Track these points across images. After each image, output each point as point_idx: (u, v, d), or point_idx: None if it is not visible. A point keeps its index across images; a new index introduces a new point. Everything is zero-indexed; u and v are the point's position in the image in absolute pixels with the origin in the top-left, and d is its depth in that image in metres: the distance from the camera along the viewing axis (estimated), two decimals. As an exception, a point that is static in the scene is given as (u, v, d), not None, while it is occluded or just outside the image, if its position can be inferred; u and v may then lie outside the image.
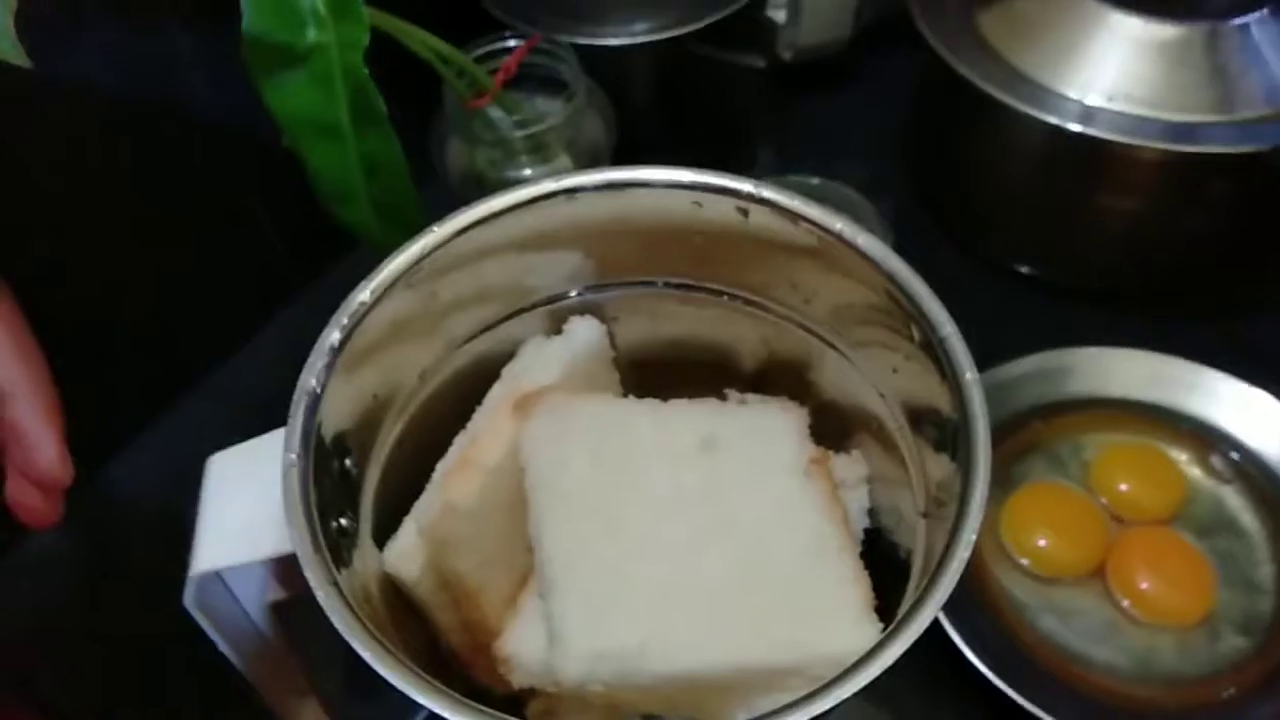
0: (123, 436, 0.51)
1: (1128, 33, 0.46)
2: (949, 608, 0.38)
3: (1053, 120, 0.44)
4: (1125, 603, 0.40)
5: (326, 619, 0.33)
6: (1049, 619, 0.40)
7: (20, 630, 0.47)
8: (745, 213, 0.29)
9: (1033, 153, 0.48)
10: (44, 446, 0.29)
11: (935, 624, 0.34)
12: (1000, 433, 0.44)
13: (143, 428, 0.51)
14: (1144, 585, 0.40)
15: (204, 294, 0.51)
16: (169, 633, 0.45)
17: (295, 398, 0.27)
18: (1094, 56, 0.46)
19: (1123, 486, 0.43)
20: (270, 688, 0.32)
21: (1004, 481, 0.44)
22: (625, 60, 0.53)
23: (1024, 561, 0.42)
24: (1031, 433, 0.45)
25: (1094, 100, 0.45)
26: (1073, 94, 0.45)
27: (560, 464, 0.29)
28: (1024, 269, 0.52)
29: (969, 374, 0.25)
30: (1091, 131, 0.44)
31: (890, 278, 0.27)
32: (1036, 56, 0.47)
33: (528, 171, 0.45)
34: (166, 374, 0.52)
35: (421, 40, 0.39)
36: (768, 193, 0.29)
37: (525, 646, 0.29)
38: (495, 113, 0.43)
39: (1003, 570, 0.41)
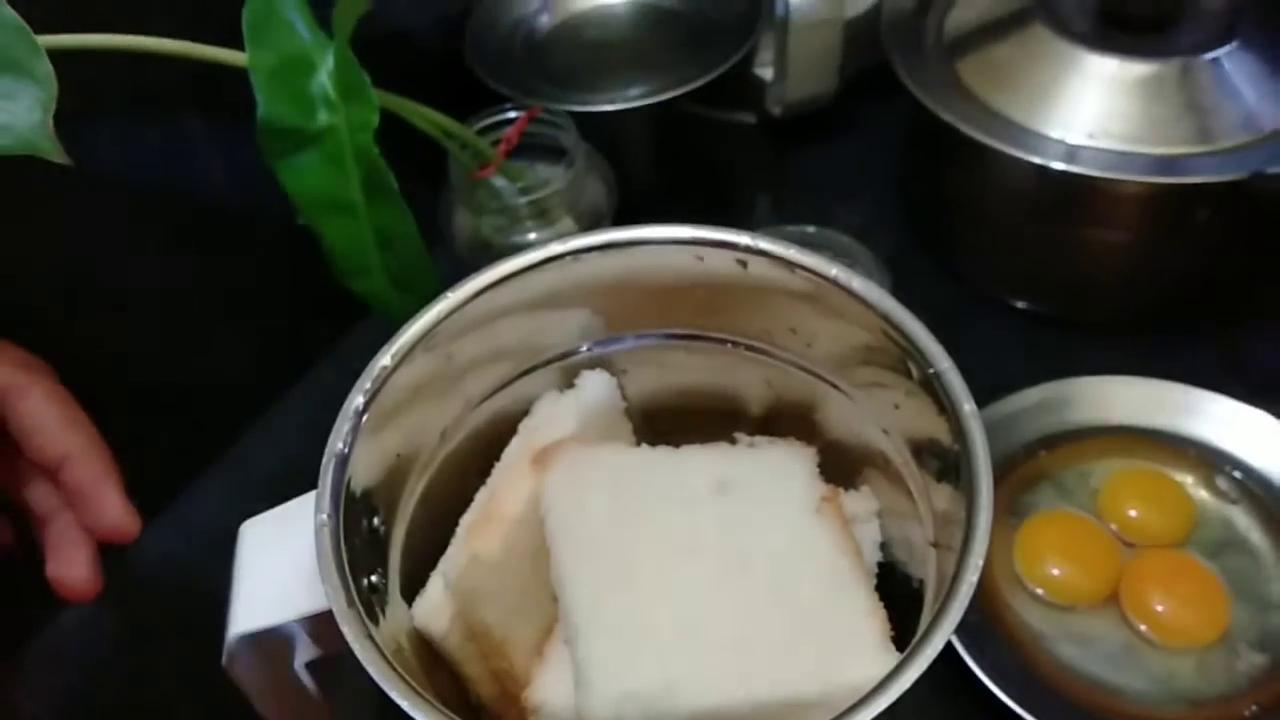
0: (150, 510, 0.52)
1: (1103, 73, 0.47)
2: (969, 641, 0.39)
3: (1037, 160, 0.46)
4: (1142, 627, 0.41)
5: (358, 675, 0.34)
6: (1067, 646, 0.41)
7: (58, 707, 0.47)
8: (744, 264, 0.31)
9: (1020, 192, 0.50)
10: (109, 502, 0.30)
11: (957, 658, 0.34)
12: (1007, 464, 0.45)
13: (168, 501, 0.53)
14: (1159, 608, 0.41)
15: (223, 369, 0.53)
16: (205, 699, 0.46)
17: (324, 460, 0.28)
18: (1072, 97, 0.47)
19: (1132, 512, 0.44)
20: (306, 747, 0.33)
21: (1014, 512, 0.44)
22: (620, 124, 0.55)
23: (1039, 591, 0.42)
24: (1038, 463, 0.46)
25: (1075, 139, 0.47)
26: (1055, 134, 0.47)
27: (579, 512, 0.30)
28: (1020, 303, 0.53)
29: (967, 406, 0.26)
30: (1075, 169, 0.45)
31: (885, 318, 0.28)
32: (1016, 100, 0.48)
33: (532, 236, 0.47)
34: (190, 447, 0.53)
35: (425, 117, 0.41)
36: (764, 244, 0.30)
37: (554, 694, 0.30)
38: (499, 181, 0.45)
39: (1019, 600, 0.42)
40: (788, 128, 0.61)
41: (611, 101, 0.53)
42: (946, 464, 0.27)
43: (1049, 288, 0.53)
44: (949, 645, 0.23)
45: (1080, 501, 0.45)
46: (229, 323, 0.52)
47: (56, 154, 0.24)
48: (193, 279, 0.49)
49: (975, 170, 0.51)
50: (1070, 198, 0.48)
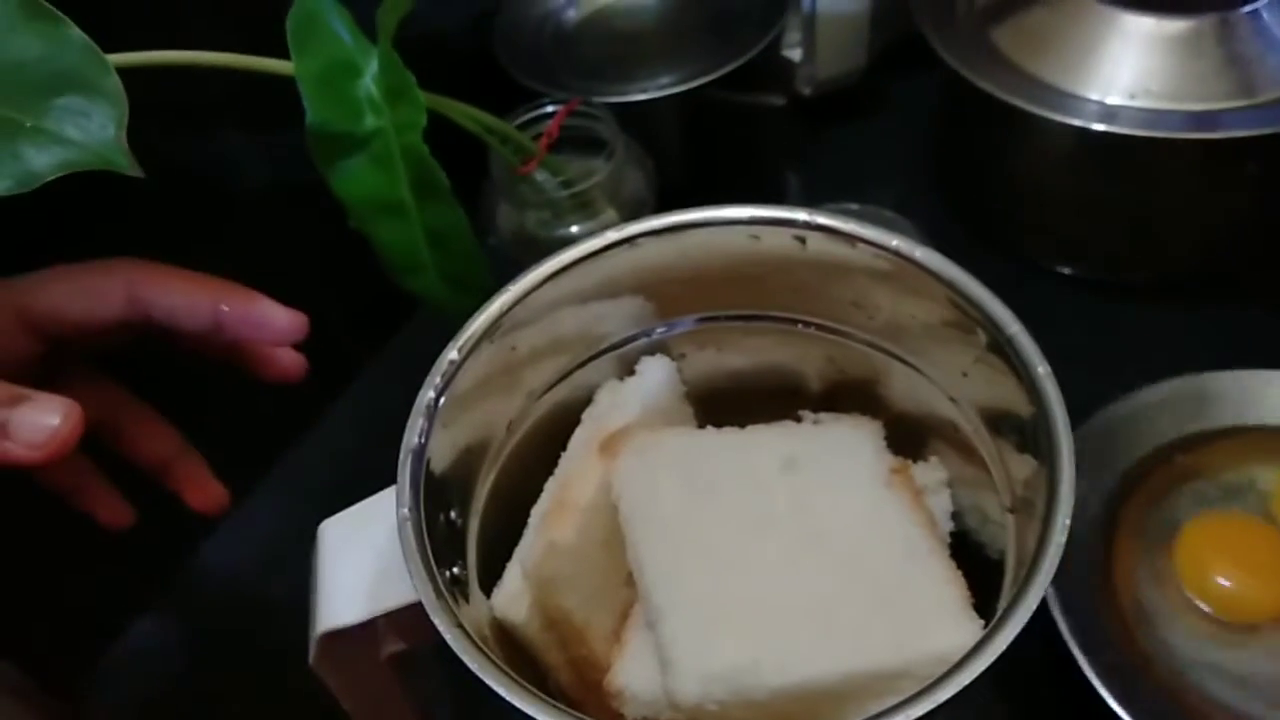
0: (212, 521, 0.53)
1: (1140, 31, 0.47)
2: (1112, 684, 0.34)
3: (1077, 122, 0.45)
4: None
5: (440, 667, 0.35)
6: (1221, 684, 0.34)
7: (131, 718, 0.48)
8: (803, 240, 0.31)
9: (1062, 156, 0.49)
10: (275, 313, 0.34)
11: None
12: (1140, 468, 0.41)
13: (226, 513, 0.53)
14: None
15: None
16: (274, 705, 0.46)
17: (401, 455, 0.28)
18: (1110, 58, 0.47)
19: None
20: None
21: (1148, 529, 0.39)
22: (651, 113, 0.55)
23: (1205, 608, 0.36)
24: (1177, 467, 0.41)
25: (1116, 99, 0.46)
26: (1094, 95, 0.46)
27: (651, 496, 0.30)
28: (1065, 269, 0.53)
29: (1040, 368, 0.26)
30: (1117, 129, 0.45)
31: (951, 285, 0.29)
32: (1053, 63, 0.48)
33: (575, 229, 0.47)
34: (243, 459, 0.54)
35: (467, 114, 0.41)
36: (823, 219, 0.30)
37: (635, 678, 0.30)
38: (540, 175, 0.45)
39: (1176, 626, 0.36)
40: (818, 107, 0.61)
41: (644, 91, 0.53)
42: (1022, 428, 0.27)
43: (1094, 252, 0.53)
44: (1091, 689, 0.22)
45: (1250, 505, 0.39)
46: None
47: (131, 167, 0.25)
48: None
49: (1015, 137, 0.50)
50: (1113, 159, 0.48)
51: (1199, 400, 0.42)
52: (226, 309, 0.33)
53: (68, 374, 0.34)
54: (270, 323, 0.33)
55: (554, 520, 0.30)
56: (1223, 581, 0.36)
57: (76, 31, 0.25)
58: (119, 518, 0.35)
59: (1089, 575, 0.38)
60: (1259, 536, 0.37)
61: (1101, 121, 0.46)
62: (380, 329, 0.59)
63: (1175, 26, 0.47)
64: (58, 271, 0.32)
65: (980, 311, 0.28)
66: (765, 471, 0.31)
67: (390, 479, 0.30)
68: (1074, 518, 0.24)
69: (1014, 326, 0.27)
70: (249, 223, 0.49)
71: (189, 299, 0.33)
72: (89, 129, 0.24)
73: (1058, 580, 0.23)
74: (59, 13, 0.25)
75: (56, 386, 0.32)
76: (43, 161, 0.24)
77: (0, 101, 0.24)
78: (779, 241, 0.31)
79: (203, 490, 0.38)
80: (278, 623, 0.49)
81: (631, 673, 0.30)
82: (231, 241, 0.48)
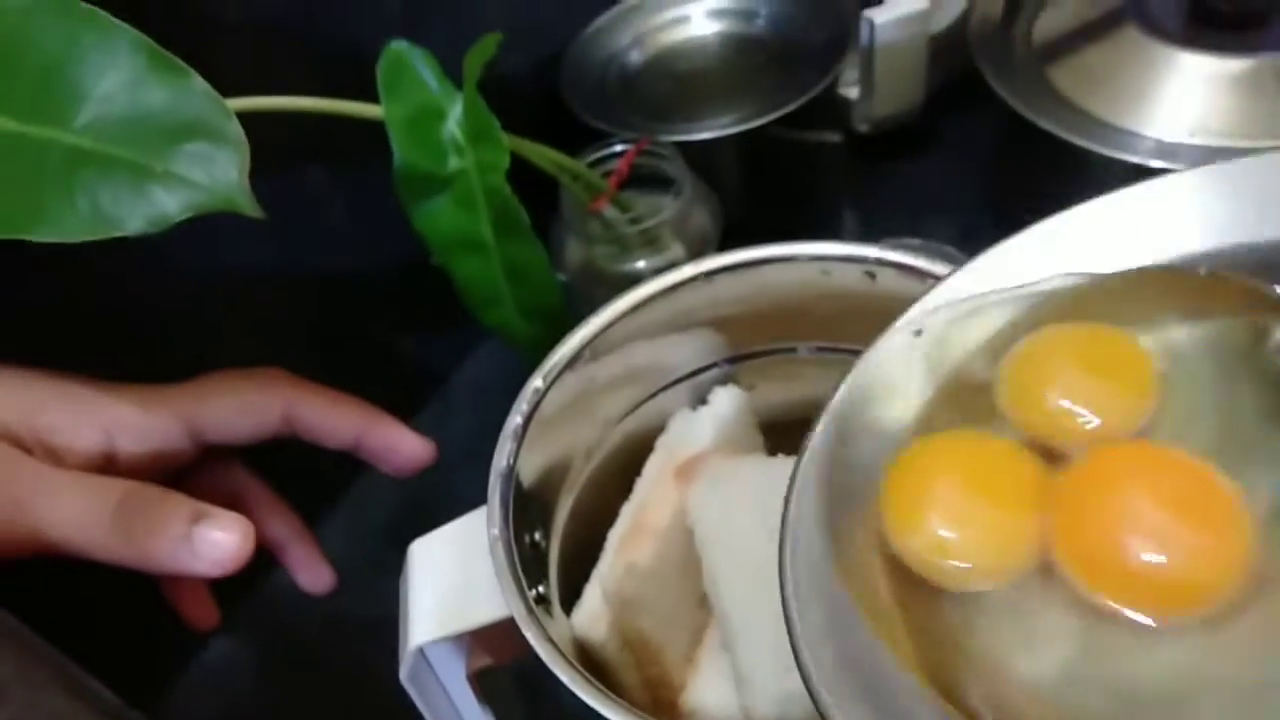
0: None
1: (1199, 71, 0.48)
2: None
3: (1135, 160, 0.46)
4: (1107, 598, 0.20)
5: (511, 684, 0.36)
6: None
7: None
8: (872, 275, 0.32)
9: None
10: (406, 440, 0.37)
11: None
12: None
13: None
14: (1141, 551, 0.20)
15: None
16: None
17: (491, 479, 0.30)
18: (1169, 97, 0.48)
19: (1053, 393, 0.23)
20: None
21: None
22: (713, 151, 0.56)
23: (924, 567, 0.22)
24: None
25: (1174, 138, 0.47)
26: (1153, 134, 0.47)
27: (726, 521, 0.31)
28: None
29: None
30: (1174, 166, 0.46)
31: (1019, 319, 0.29)
32: (1111, 102, 0.49)
33: (641, 264, 0.48)
34: (314, 486, 0.56)
35: (542, 154, 0.43)
36: (893, 255, 0.31)
37: (709, 699, 0.31)
38: (610, 212, 0.47)
39: (887, 599, 0.22)
40: (875, 144, 0.62)
41: (707, 130, 0.55)
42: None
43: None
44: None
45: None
46: (351, 365, 0.55)
47: (252, 209, 0.27)
48: (317, 324, 0.52)
49: (1074, 175, 0.51)
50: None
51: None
52: (368, 444, 0.36)
53: (205, 457, 0.36)
54: (403, 450, 0.36)
55: (632, 543, 0.31)
56: (939, 531, 0.22)
57: (200, 81, 0.27)
58: (206, 621, 0.37)
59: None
60: (979, 455, 0.24)
61: (1160, 159, 0.46)
62: (444, 364, 0.61)
63: (1234, 66, 0.47)
64: (219, 384, 0.35)
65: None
66: None
67: (456, 504, 0.32)
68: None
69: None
70: (329, 258, 0.51)
71: (335, 422, 0.35)
72: (214, 173, 0.26)
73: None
74: (184, 64, 0.27)
75: (195, 468, 0.35)
76: (172, 204, 0.26)
77: (133, 149, 0.26)
78: (849, 277, 0.32)
79: (314, 572, 0.41)
80: (349, 643, 0.51)
81: (706, 693, 0.31)
82: (308, 276, 0.51)
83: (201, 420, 0.34)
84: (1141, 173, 0.47)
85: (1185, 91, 0.48)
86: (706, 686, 0.32)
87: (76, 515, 0.29)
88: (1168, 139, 0.47)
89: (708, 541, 0.31)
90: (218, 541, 0.29)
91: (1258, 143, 0.46)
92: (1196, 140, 0.47)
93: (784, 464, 0.33)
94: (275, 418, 0.35)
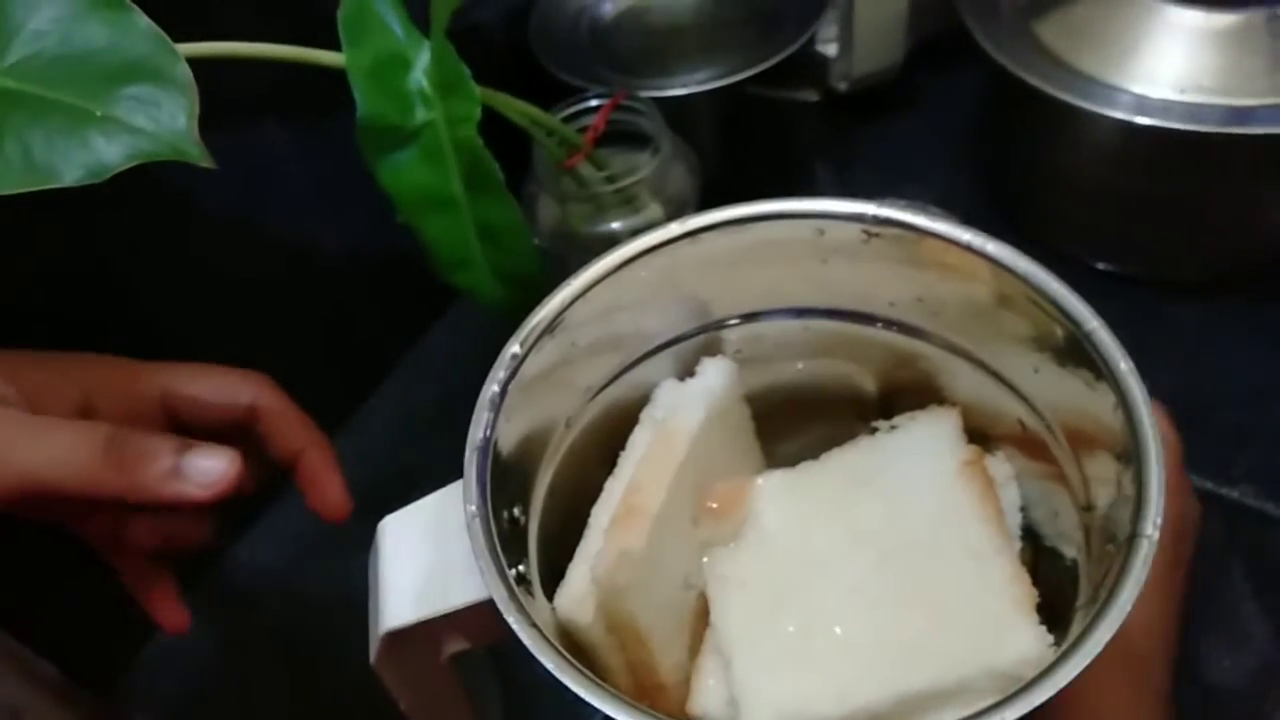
0: (242, 521, 0.53)
1: (1188, 25, 0.47)
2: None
3: (1125, 117, 0.45)
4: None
5: (505, 665, 0.34)
6: None
7: (168, 717, 0.48)
8: (869, 235, 0.30)
9: (1109, 151, 0.49)
10: (335, 487, 0.35)
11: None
12: None
13: (259, 513, 0.53)
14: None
15: (307, 377, 0.53)
16: (307, 705, 0.46)
17: (467, 451, 0.28)
18: (1158, 52, 0.47)
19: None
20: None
21: None
22: (688, 108, 0.54)
23: None
24: None
25: (1162, 94, 0.46)
26: (1142, 90, 0.46)
27: (732, 554, 0.31)
28: (1105, 266, 0.52)
29: (1124, 364, 0.26)
30: (1162, 123, 0.45)
31: (1025, 280, 0.28)
32: (1100, 58, 0.47)
33: (617, 224, 0.46)
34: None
35: (513, 107, 0.41)
36: (892, 213, 0.30)
37: (713, 702, 0.30)
38: (585, 170, 0.45)
39: None
40: (853, 103, 0.61)
41: (682, 86, 0.53)
42: (1099, 425, 0.27)
43: (1139, 248, 0.52)
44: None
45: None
46: (311, 329, 0.53)
47: (202, 158, 0.24)
48: (276, 286, 0.49)
49: (1060, 132, 0.50)
50: (1160, 154, 0.47)
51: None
52: (304, 466, 0.35)
53: None
54: (329, 493, 0.35)
55: (625, 528, 0.30)
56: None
57: (145, 20, 0.25)
58: (177, 624, 0.36)
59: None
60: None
61: (1147, 115, 0.45)
62: (411, 328, 0.59)
63: (1224, 20, 0.46)
64: (199, 367, 0.35)
65: (1057, 307, 0.27)
66: (836, 501, 0.31)
67: (425, 476, 0.30)
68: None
69: (1093, 322, 0.27)
70: (285, 217, 0.49)
71: (289, 430, 0.35)
72: (159, 118, 0.24)
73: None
74: (126, 1, 0.25)
75: None
76: (113, 152, 0.24)
77: (70, 90, 0.24)
78: (845, 236, 0.31)
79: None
80: (314, 621, 0.49)
81: (709, 697, 0.30)
82: (268, 236, 0.48)
83: (181, 392, 0.34)
84: (1129, 130, 0.46)
85: (1174, 47, 0.47)
86: (709, 690, 0.30)
87: (65, 451, 0.29)
88: (1156, 95, 0.46)
89: (712, 575, 0.31)
90: (207, 467, 0.30)
91: (1248, 100, 0.45)
92: (1186, 97, 0.46)
93: (786, 480, 0.32)
94: (244, 406, 0.35)
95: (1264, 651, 0.41)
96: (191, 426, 0.35)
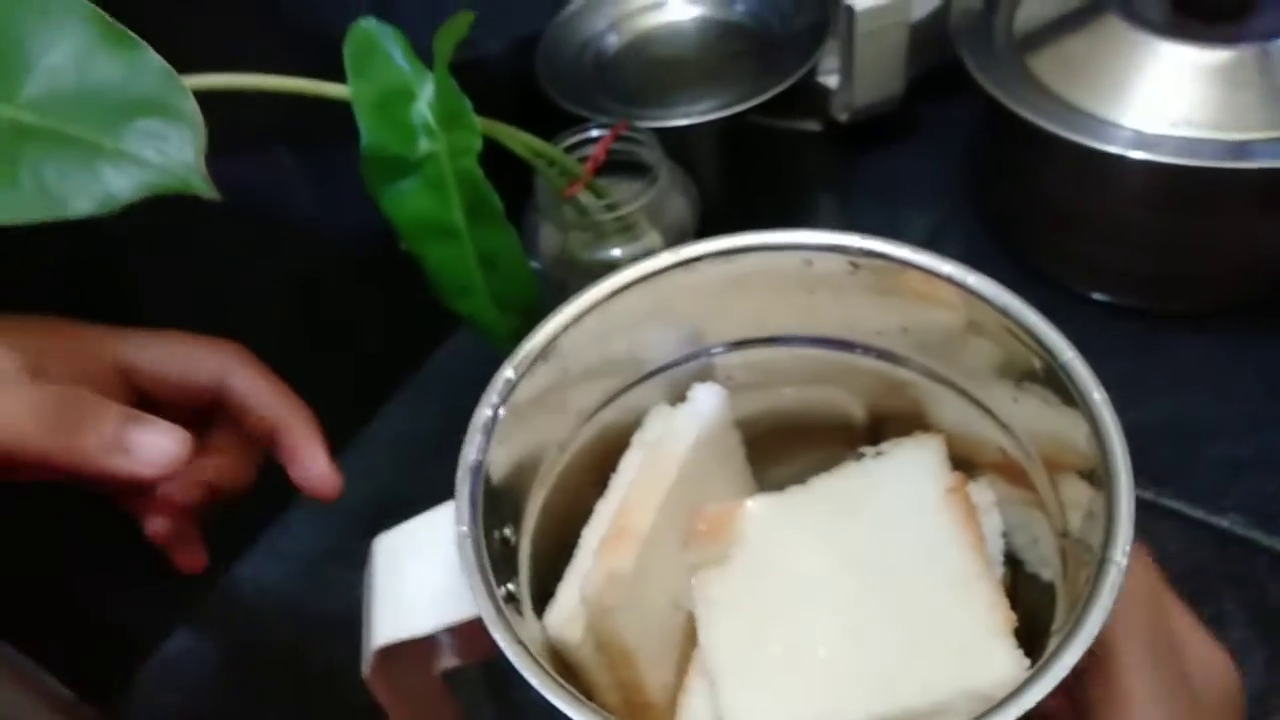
0: (245, 539, 0.54)
1: (1180, 61, 0.47)
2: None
3: (1114, 150, 0.46)
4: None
5: (481, 682, 0.35)
6: None
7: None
8: (855, 266, 0.31)
9: (1103, 184, 0.49)
10: (319, 461, 0.34)
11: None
12: None
13: (262, 530, 0.54)
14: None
15: (313, 397, 0.54)
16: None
17: (459, 472, 0.28)
18: (1150, 87, 0.47)
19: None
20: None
21: None
22: (690, 138, 0.55)
23: None
24: None
25: (1155, 128, 0.47)
26: (1134, 124, 0.47)
27: (721, 579, 0.32)
28: (1101, 297, 0.53)
29: (1096, 394, 0.26)
30: (1154, 158, 0.45)
31: (1004, 312, 0.29)
32: (1093, 92, 0.48)
33: (617, 251, 0.47)
34: (281, 476, 0.55)
35: (515, 138, 0.42)
36: (877, 245, 0.31)
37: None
38: (585, 198, 0.46)
39: None
40: (854, 133, 0.62)
41: (685, 116, 0.54)
42: (1075, 454, 0.27)
43: (1131, 280, 0.53)
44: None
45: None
46: (318, 352, 0.54)
47: (208, 190, 0.25)
48: (285, 310, 0.50)
49: (1053, 164, 0.51)
50: (1153, 188, 0.48)
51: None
52: (284, 441, 0.34)
53: None
54: (312, 469, 0.34)
55: (615, 548, 0.30)
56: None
57: (155, 56, 0.26)
58: (194, 564, 0.35)
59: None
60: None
61: (1140, 149, 0.46)
62: (416, 351, 0.60)
63: (1215, 56, 0.47)
64: (163, 334, 0.34)
65: (1033, 338, 0.28)
66: (823, 526, 0.32)
67: (427, 496, 0.31)
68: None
69: (1068, 353, 0.27)
70: (296, 243, 0.50)
71: (261, 401, 0.34)
72: (167, 152, 0.25)
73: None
74: (137, 38, 0.26)
75: None
76: (122, 184, 0.25)
77: (83, 124, 0.25)
78: (831, 267, 0.32)
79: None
80: (312, 638, 0.50)
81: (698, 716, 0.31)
82: (276, 260, 0.49)
83: (138, 360, 0.32)
84: (1122, 164, 0.46)
85: (1166, 82, 0.47)
86: (698, 711, 0.31)
87: (5, 416, 0.27)
88: (1148, 129, 0.47)
89: (700, 601, 0.31)
90: (151, 443, 0.29)
91: (1239, 135, 0.46)
92: (1177, 131, 0.46)
93: (774, 507, 0.33)
94: (209, 377, 0.33)
95: (1257, 679, 0.41)
96: (161, 402, 0.33)
